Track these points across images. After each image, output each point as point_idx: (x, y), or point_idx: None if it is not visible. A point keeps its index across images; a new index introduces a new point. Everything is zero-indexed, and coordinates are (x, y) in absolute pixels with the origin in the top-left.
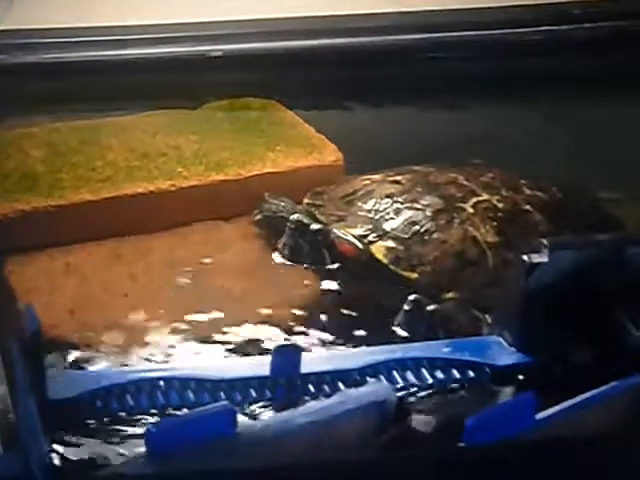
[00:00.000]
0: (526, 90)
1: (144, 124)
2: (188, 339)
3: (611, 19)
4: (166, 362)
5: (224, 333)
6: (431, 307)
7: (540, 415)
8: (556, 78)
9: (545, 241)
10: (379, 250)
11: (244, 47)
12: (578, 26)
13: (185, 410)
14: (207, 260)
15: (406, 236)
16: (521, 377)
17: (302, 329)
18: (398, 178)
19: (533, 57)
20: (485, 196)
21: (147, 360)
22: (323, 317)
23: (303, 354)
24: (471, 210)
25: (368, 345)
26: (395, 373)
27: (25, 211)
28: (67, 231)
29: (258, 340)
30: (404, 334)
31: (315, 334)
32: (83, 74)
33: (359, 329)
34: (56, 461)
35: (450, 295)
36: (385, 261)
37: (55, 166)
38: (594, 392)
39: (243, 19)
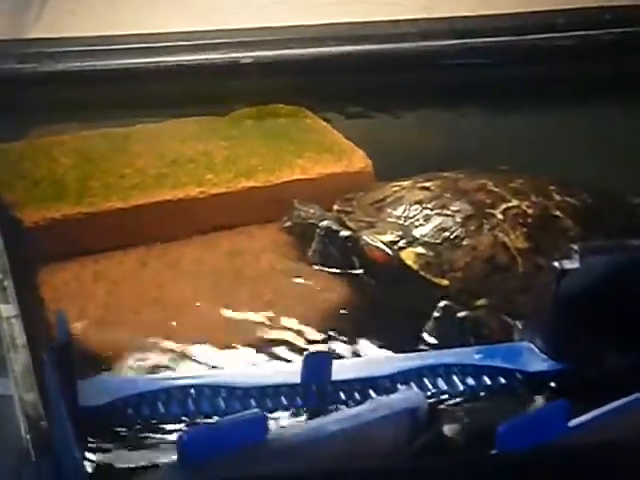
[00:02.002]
0: (555, 95)
1: (173, 131)
2: (218, 346)
3: None
4: (196, 369)
5: (254, 340)
6: (462, 314)
7: (573, 422)
8: (587, 83)
9: (576, 246)
10: (409, 256)
11: (274, 54)
12: (608, 31)
13: (216, 417)
14: (236, 267)
15: (436, 242)
16: (553, 384)
17: (332, 336)
18: (427, 184)
19: (562, 62)
20: (515, 202)
21: (177, 367)
22: (353, 324)
23: (334, 361)
24: (501, 216)
25: (399, 352)
26: (426, 380)
27: (55, 219)
28: (97, 239)
29: (288, 347)
30: (435, 341)
31: (345, 341)
32: (112, 82)
33: (389, 336)
34: (88, 468)
35: (481, 301)
36: (415, 267)
37: (85, 174)
38: (627, 399)
39: (273, 26)
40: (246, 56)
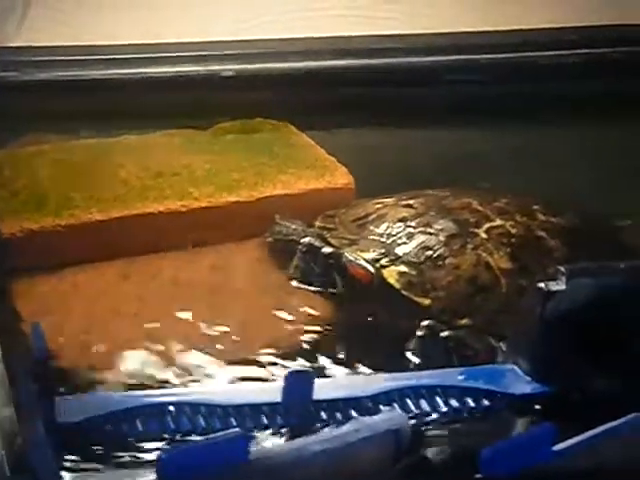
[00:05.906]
0: (543, 115)
1: (155, 143)
2: (198, 363)
3: None
4: (176, 386)
5: (234, 357)
6: (445, 333)
7: (558, 447)
8: (583, 102)
9: (563, 268)
10: (391, 275)
11: (256, 67)
12: (609, 50)
13: (195, 436)
14: (217, 282)
15: (419, 261)
16: (537, 407)
17: (313, 354)
18: (411, 202)
19: (556, 81)
20: (499, 221)
21: (157, 384)
22: (335, 342)
23: (315, 380)
24: (484, 235)
25: (381, 371)
26: (409, 401)
27: (33, 230)
28: (76, 251)
29: (269, 365)
30: (417, 360)
31: (327, 360)
32: (94, 92)
33: (371, 355)
34: None
35: (464, 321)
36: (397, 286)
37: (65, 185)
38: (613, 423)
39: (255, 39)
40: (228, 69)
